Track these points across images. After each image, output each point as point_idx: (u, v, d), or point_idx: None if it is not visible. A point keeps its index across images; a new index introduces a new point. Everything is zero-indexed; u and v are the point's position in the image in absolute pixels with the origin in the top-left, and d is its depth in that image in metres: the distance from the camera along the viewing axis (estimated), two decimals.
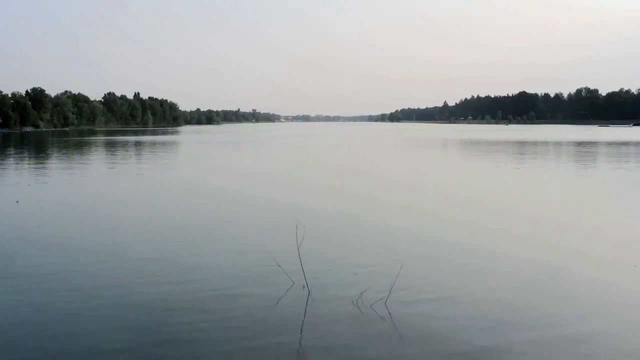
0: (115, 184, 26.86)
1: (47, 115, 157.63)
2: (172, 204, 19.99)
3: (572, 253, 12.50)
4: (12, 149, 59.49)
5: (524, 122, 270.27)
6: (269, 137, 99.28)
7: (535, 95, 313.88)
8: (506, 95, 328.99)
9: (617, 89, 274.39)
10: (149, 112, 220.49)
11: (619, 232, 15.03)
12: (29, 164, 39.99)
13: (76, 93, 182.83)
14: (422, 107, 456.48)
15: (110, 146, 64.42)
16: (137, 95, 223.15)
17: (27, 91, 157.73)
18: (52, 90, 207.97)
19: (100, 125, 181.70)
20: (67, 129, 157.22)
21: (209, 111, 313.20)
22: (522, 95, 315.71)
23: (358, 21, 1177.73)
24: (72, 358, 7.21)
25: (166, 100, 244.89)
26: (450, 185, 25.82)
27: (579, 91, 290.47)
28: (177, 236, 14.22)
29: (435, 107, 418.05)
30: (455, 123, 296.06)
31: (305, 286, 9.73)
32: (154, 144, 71.44)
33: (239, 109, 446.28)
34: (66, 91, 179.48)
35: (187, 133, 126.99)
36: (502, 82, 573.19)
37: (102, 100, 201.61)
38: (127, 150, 56.12)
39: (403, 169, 36.46)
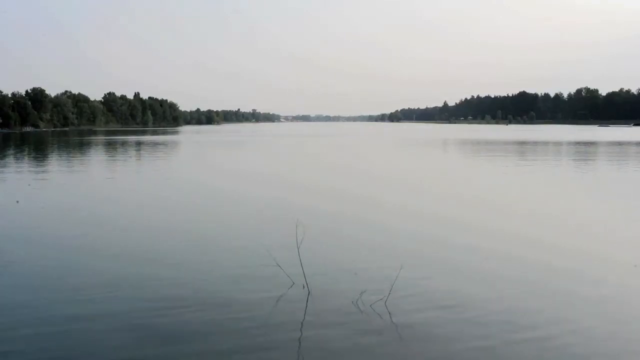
0: (116, 184, 26.86)
1: (47, 115, 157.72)
2: (172, 204, 19.99)
3: (573, 253, 12.49)
4: (12, 148, 59.47)
5: (524, 122, 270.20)
6: (269, 137, 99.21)
7: (535, 95, 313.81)
8: (506, 95, 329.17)
9: (617, 89, 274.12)
10: (149, 112, 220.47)
11: (619, 232, 15.02)
12: (29, 164, 40.00)
13: (76, 93, 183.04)
14: (422, 107, 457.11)
15: (111, 146, 64.42)
16: (137, 95, 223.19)
17: (27, 91, 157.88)
18: (52, 90, 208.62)
19: (100, 125, 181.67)
20: (67, 129, 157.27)
21: (209, 111, 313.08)
22: (522, 95, 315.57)
23: (358, 21, 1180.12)
24: (71, 357, 7.22)
25: (166, 100, 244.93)
26: (450, 186, 25.80)
27: (579, 91, 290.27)
28: (177, 236, 14.21)
29: (435, 107, 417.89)
30: (455, 123, 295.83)
31: (305, 286, 9.73)
32: (154, 144, 71.44)
33: (239, 109, 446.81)
34: (66, 91, 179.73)
35: (187, 133, 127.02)
36: (502, 82, 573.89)
37: (102, 100, 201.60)
38: (127, 151, 56.10)
39: (403, 169, 36.45)
